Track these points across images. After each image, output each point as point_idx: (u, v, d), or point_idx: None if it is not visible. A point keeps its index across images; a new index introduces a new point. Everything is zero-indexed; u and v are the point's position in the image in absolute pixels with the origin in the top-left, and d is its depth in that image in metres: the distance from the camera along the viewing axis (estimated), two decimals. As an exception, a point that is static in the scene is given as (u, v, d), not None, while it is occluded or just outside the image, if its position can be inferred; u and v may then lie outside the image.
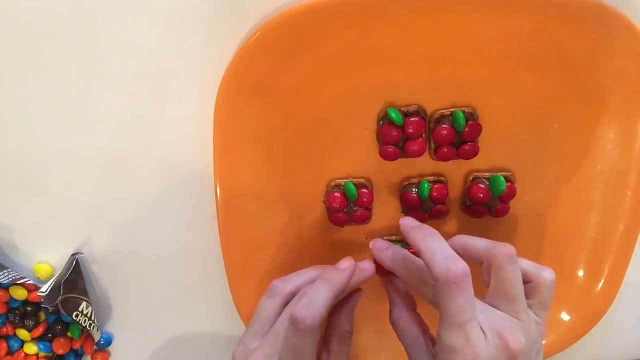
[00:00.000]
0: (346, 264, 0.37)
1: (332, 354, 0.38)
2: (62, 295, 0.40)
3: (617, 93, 0.39)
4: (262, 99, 0.37)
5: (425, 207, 0.40)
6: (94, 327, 0.43)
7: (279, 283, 0.37)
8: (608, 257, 0.43)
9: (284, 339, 0.34)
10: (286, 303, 0.36)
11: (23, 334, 0.44)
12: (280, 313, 0.36)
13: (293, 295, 0.37)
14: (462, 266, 0.31)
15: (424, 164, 0.40)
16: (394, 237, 0.42)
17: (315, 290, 0.35)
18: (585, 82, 0.39)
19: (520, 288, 0.34)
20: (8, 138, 0.39)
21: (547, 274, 0.35)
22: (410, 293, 0.40)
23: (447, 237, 0.42)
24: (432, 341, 0.37)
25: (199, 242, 0.42)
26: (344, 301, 0.39)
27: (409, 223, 0.36)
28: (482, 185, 0.40)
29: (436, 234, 0.34)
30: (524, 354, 0.31)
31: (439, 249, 0.33)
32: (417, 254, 0.35)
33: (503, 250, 0.34)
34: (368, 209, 0.41)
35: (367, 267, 0.38)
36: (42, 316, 0.44)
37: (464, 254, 0.36)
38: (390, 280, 0.40)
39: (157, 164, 0.40)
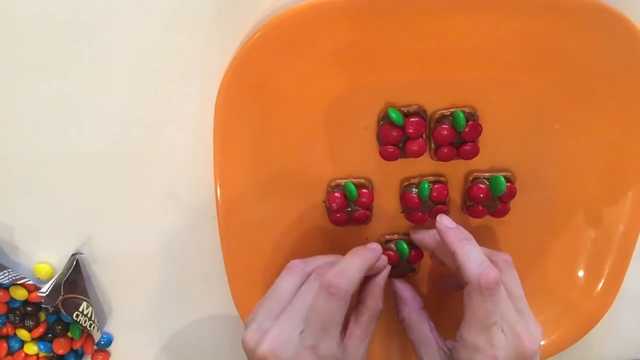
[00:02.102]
0: (375, 245, 0.39)
1: (358, 326, 0.36)
2: (62, 295, 0.40)
3: (616, 93, 0.39)
4: (262, 99, 0.37)
5: (425, 207, 0.40)
6: (94, 327, 0.43)
7: (299, 262, 0.37)
8: (608, 257, 0.43)
9: (310, 307, 0.33)
10: None
11: (23, 334, 0.44)
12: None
13: None
14: (493, 274, 0.33)
15: (424, 164, 0.40)
16: (395, 236, 0.42)
17: (348, 260, 0.35)
18: (585, 82, 0.39)
19: (520, 290, 0.37)
20: (8, 138, 0.39)
21: (500, 256, 0.38)
22: (418, 292, 0.41)
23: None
24: (441, 339, 0.38)
25: (199, 242, 0.42)
26: (373, 277, 0.39)
27: (446, 223, 0.37)
28: (482, 185, 0.40)
29: (471, 239, 0.36)
30: (536, 353, 0.34)
31: (473, 254, 0.35)
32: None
33: (502, 257, 0.37)
34: (368, 209, 0.41)
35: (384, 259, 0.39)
36: (42, 316, 0.44)
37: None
38: (398, 280, 0.41)
39: (157, 164, 0.41)
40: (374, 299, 0.37)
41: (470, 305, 0.34)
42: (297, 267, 0.37)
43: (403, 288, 0.41)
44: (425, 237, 0.40)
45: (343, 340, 0.35)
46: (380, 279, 0.38)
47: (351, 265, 0.35)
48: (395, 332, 0.43)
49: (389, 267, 0.39)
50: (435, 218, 0.41)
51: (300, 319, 0.33)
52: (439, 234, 0.37)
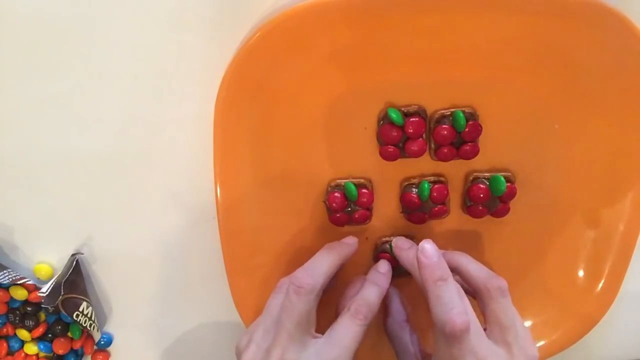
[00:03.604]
0: (351, 240, 0.40)
1: None
2: (62, 295, 0.40)
3: (616, 93, 0.39)
4: (262, 99, 0.37)
5: (425, 207, 0.40)
6: (94, 327, 0.43)
7: (287, 279, 0.36)
8: (608, 257, 0.43)
9: (282, 308, 0.34)
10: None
11: (23, 334, 0.44)
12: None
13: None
14: (460, 322, 0.32)
15: (424, 164, 0.40)
16: (391, 238, 0.42)
17: (317, 257, 0.37)
18: (585, 82, 0.39)
19: (511, 319, 0.35)
20: (8, 138, 0.39)
21: (495, 282, 0.36)
22: (403, 304, 0.41)
23: (448, 237, 0.42)
24: (422, 353, 0.39)
25: (199, 242, 0.42)
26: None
27: (428, 253, 0.35)
28: (482, 185, 0.40)
29: (448, 278, 0.34)
30: None
31: (445, 298, 0.33)
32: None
33: (495, 283, 0.35)
34: (368, 209, 0.41)
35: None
36: (42, 316, 0.44)
37: (459, 277, 0.37)
38: (390, 287, 0.40)
39: (157, 164, 0.40)
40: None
41: (437, 347, 0.34)
42: (285, 284, 0.36)
43: (392, 297, 0.41)
44: (404, 257, 0.39)
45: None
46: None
47: (320, 262, 0.36)
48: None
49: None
50: (435, 218, 0.41)
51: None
52: (417, 263, 0.35)
